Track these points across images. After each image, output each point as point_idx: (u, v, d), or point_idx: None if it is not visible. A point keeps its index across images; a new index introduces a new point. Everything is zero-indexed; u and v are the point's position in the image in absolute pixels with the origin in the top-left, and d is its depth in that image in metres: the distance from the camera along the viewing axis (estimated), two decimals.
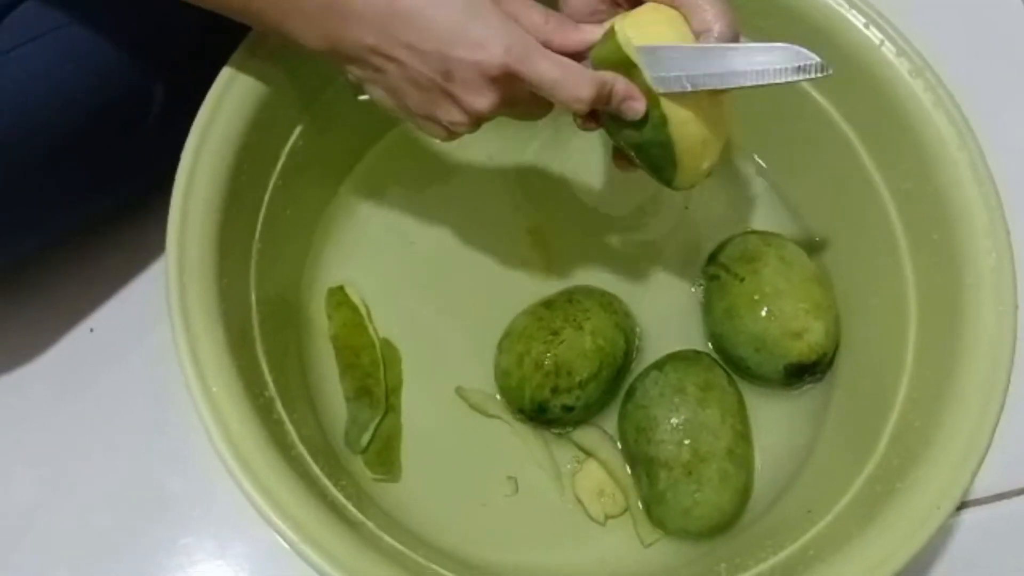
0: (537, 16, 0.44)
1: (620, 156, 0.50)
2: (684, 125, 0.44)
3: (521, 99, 0.44)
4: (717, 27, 0.43)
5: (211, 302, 0.46)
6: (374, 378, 0.57)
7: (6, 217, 0.54)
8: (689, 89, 0.43)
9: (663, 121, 0.44)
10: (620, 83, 0.43)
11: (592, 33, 0.44)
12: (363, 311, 0.58)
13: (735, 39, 0.44)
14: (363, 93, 0.46)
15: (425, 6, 0.41)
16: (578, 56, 0.44)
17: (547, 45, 0.43)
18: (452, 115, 0.44)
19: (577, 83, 0.42)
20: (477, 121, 0.44)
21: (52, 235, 0.59)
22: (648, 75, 0.43)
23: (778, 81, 0.43)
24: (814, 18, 0.53)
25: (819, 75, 0.42)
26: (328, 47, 0.43)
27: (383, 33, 0.41)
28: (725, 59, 0.43)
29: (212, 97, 0.49)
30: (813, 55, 0.42)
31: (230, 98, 0.49)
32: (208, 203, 0.47)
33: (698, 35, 0.43)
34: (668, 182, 0.48)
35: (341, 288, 0.59)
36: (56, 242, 0.61)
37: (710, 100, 0.44)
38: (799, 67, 0.42)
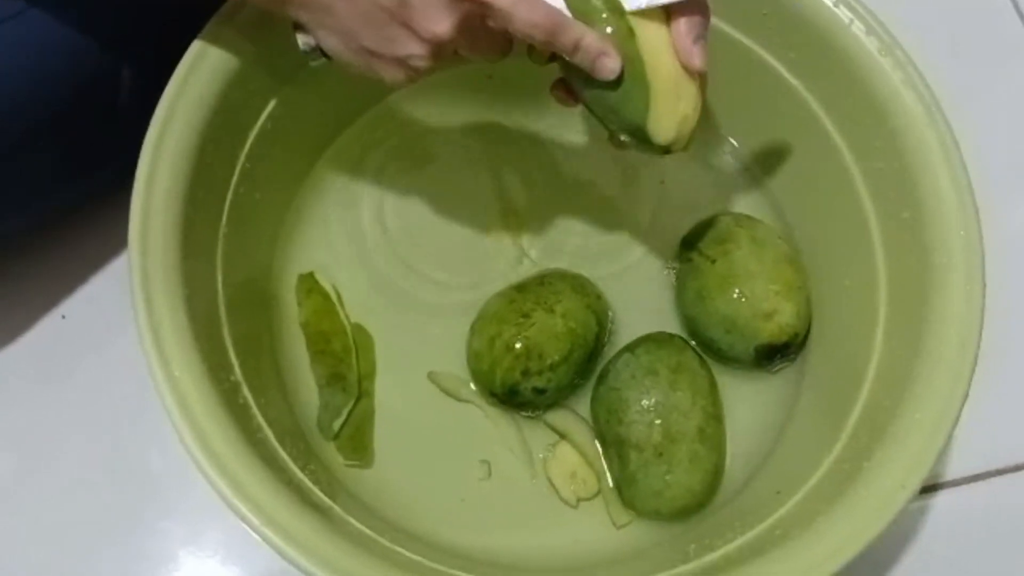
0: None
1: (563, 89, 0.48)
2: (654, 49, 0.43)
3: (479, 31, 0.43)
4: None
5: (174, 286, 0.46)
6: (346, 364, 0.56)
7: None
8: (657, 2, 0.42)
9: (630, 33, 0.43)
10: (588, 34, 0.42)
11: None
12: (334, 297, 0.58)
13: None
14: (314, 57, 0.46)
15: None
16: None
17: None
18: (409, 47, 0.43)
19: (532, 7, 0.41)
20: (436, 52, 0.43)
21: (30, 220, 0.59)
22: None
23: None
24: None
25: None
26: None
27: None
28: None
29: (178, 74, 0.49)
30: None
31: (196, 76, 0.49)
32: (172, 185, 0.47)
33: None
34: (642, 121, 0.44)
35: (311, 275, 0.59)
36: (34, 227, 0.60)
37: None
38: None
